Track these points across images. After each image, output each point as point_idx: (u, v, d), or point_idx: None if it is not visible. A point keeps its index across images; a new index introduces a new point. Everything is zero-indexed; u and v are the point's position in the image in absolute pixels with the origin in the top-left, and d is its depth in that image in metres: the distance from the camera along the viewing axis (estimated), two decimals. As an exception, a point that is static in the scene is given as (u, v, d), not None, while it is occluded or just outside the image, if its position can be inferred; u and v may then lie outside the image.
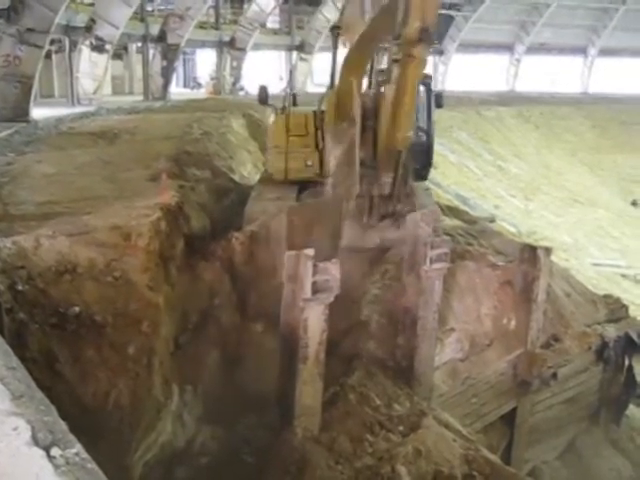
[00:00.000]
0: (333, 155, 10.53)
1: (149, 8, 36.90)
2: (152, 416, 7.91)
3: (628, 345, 12.99)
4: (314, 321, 7.74)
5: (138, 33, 33.50)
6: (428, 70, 12.34)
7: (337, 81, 11.82)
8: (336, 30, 11.48)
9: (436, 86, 41.37)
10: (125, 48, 37.57)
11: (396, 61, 8.68)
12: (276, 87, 25.41)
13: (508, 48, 52.72)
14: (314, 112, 12.92)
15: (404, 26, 8.19)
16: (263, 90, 13.93)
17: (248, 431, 8.32)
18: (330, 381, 8.59)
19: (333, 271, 7.70)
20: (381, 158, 9.64)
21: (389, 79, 8.96)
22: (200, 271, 10.00)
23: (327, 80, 13.06)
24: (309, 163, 12.35)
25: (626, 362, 13.06)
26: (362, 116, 9.68)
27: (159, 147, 15.76)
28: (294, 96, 13.55)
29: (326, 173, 12.14)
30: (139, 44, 35.63)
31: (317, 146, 12.50)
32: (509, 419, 11.49)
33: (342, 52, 11.54)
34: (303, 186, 12.25)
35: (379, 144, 9.55)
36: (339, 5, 39.62)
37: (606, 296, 14.41)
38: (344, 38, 11.32)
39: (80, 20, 28.53)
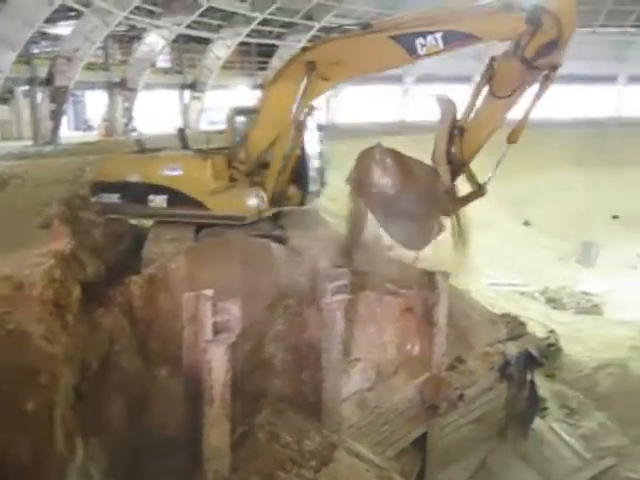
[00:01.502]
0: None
1: (35, 50, 36.06)
2: (56, 473, 7.60)
3: (529, 361, 13.36)
4: (217, 362, 7.67)
5: (24, 76, 32.62)
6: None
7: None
8: (312, 64, 11.18)
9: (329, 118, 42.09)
10: (11, 92, 36.54)
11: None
12: (171, 127, 25.23)
13: (397, 79, 53.52)
14: (211, 150, 12.81)
15: (548, 56, 9.66)
16: (182, 132, 13.78)
17: (157, 478, 8.11)
18: (238, 421, 8.50)
19: (234, 311, 7.64)
20: (472, 155, 10.72)
21: (507, 94, 10.17)
22: (98, 318, 9.77)
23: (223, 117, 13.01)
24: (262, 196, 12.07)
25: (528, 377, 13.42)
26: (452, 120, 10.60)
27: (51, 192, 15.35)
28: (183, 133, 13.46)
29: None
30: (26, 87, 34.71)
31: (233, 181, 12.25)
32: (420, 444, 11.60)
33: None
34: (200, 226, 12.10)
35: (474, 143, 10.61)
36: (229, 43, 39.85)
37: (504, 315, 14.86)
38: (324, 71, 11.13)
39: (-38, 66, 27.69)
